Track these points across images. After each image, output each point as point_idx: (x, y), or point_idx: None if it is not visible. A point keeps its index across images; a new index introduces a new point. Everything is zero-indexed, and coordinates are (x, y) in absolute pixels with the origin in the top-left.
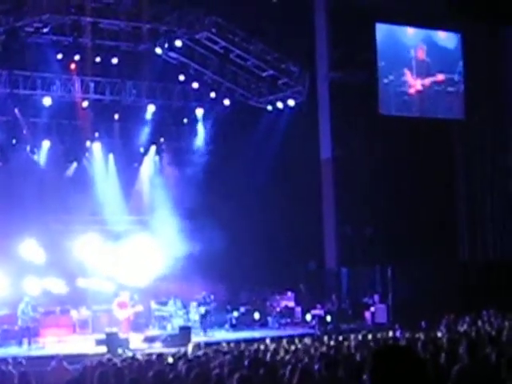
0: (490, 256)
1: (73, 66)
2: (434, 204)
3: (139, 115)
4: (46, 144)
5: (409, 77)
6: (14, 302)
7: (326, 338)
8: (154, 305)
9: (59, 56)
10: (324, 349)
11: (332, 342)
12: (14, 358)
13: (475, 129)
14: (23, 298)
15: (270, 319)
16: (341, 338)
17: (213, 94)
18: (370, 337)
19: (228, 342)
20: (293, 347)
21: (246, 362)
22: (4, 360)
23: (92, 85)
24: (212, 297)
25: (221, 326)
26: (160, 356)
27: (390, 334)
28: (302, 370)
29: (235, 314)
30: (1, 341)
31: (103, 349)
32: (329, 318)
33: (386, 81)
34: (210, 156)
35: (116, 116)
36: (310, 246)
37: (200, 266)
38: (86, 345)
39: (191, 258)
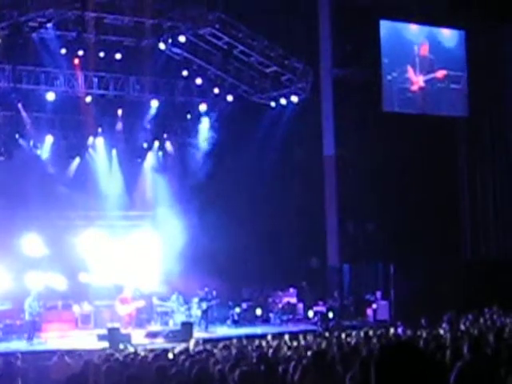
0: (492, 253)
1: (76, 61)
2: (436, 201)
3: (142, 110)
4: (49, 139)
5: (411, 74)
6: (16, 296)
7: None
8: (156, 300)
9: (63, 51)
10: (324, 345)
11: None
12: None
13: (479, 126)
14: (31, 293)
15: (272, 315)
16: (343, 335)
17: (216, 90)
18: (371, 333)
19: (230, 338)
20: (295, 343)
21: (247, 358)
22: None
23: (95, 80)
24: (214, 293)
25: (223, 321)
26: (162, 351)
27: (392, 331)
28: (304, 367)
29: (237, 310)
30: (3, 335)
31: (105, 344)
32: (331, 315)
33: (389, 77)
34: (213, 152)
35: (119, 111)
36: (313, 242)
37: (202, 261)
38: (87, 340)
39: (194, 254)
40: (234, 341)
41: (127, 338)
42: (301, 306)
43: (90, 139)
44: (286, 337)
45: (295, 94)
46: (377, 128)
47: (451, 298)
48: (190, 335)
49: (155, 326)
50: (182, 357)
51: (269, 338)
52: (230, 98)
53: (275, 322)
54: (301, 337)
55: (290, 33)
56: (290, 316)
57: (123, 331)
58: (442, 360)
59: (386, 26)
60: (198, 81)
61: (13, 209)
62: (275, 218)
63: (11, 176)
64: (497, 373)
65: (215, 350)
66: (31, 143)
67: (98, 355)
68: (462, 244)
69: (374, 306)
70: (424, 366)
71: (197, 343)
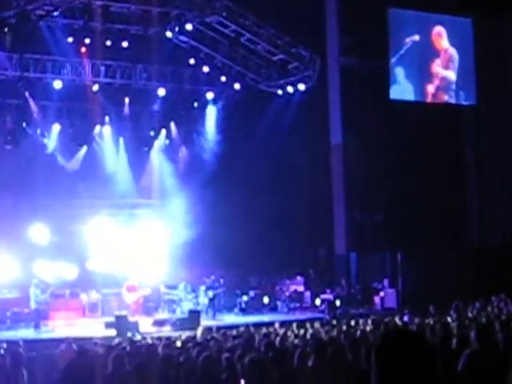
0: (499, 241)
1: (83, 49)
2: (443, 188)
3: (149, 99)
4: (56, 128)
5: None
6: (24, 285)
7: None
8: (163, 288)
9: (70, 39)
10: (335, 333)
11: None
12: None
13: (486, 114)
14: (32, 281)
15: (279, 303)
16: (351, 323)
17: (223, 78)
18: (378, 321)
19: (237, 326)
20: (302, 331)
21: (255, 346)
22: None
23: (102, 68)
24: (221, 281)
25: (230, 309)
26: (169, 340)
27: (399, 318)
28: (311, 355)
29: (244, 298)
30: (11, 323)
31: (112, 332)
32: (338, 303)
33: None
34: (220, 140)
35: (126, 100)
36: (320, 231)
37: (210, 250)
38: (95, 328)
39: (201, 242)
40: (242, 329)
41: (135, 326)
42: (308, 294)
43: (97, 128)
44: (294, 325)
45: (302, 82)
46: (384, 117)
47: (458, 285)
48: (198, 323)
49: (163, 314)
50: (190, 345)
51: (276, 325)
52: (237, 86)
53: (282, 310)
54: (308, 325)
55: (297, 21)
56: (298, 304)
57: (131, 319)
58: (449, 348)
59: (394, 14)
60: (205, 69)
61: (20, 197)
62: (282, 206)
63: (18, 164)
64: (504, 362)
65: (222, 338)
66: (38, 132)
67: (104, 343)
68: (469, 232)
69: (382, 293)
70: (425, 352)
71: (207, 331)
